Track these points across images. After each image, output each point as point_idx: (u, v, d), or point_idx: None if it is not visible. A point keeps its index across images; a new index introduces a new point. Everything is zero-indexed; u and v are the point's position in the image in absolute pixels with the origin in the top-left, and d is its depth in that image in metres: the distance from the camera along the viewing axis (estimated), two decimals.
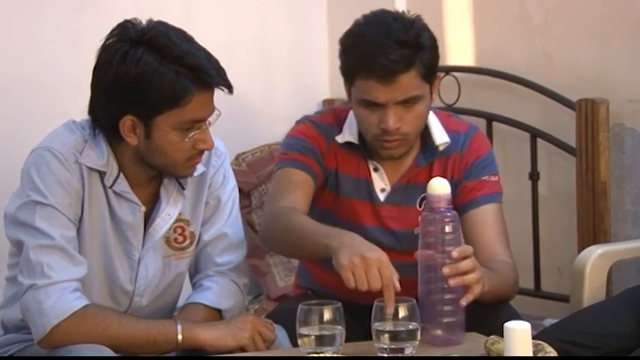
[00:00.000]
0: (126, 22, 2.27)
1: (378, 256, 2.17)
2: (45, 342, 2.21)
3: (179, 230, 2.40)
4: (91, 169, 2.28)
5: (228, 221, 2.46)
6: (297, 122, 2.62)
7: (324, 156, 2.55)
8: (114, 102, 2.25)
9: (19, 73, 3.42)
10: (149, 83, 2.20)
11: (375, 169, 2.56)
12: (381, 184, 2.56)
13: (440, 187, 2.26)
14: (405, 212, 2.55)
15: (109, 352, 2.19)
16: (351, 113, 2.57)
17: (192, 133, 2.26)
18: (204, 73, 2.22)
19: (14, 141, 3.22)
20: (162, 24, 2.27)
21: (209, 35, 3.45)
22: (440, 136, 2.56)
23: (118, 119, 2.25)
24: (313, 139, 2.55)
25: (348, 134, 2.55)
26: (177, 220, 2.39)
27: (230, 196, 2.46)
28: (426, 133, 2.56)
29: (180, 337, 2.24)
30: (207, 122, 2.28)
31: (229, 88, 2.27)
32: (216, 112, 2.29)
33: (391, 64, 2.41)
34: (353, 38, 2.48)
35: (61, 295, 2.20)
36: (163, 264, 2.40)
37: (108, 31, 2.28)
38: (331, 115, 2.61)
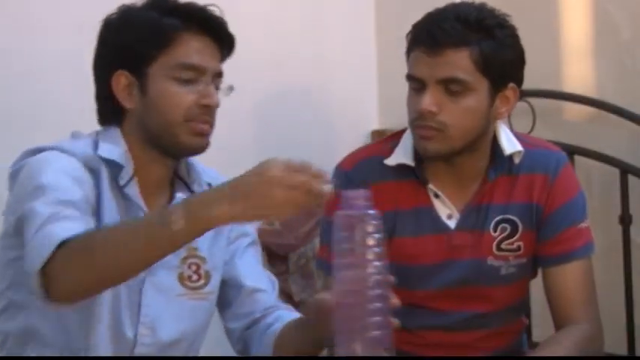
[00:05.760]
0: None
1: None
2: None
3: (194, 267, 2.20)
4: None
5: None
6: None
7: None
8: (104, 61, 2.17)
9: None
10: (132, 27, 2.13)
11: (436, 196, 2.34)
12: (445, 210, 2.34)
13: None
14: (479, 239, 2.34)
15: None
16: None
17: (193, 86, 2.11)
18: (192, 13, 2.12)
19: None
20: None
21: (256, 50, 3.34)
22: (510, 145, 2.34)
23: (111, 78, 2.13)
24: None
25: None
26: (192, 256, 2.19)
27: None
28: (494, 143, 2.35)
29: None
30: (214, 85, 2.14)
31: (228, 37, 2.15)
32: (229, 84, 2.17)
33: (440, 34, 2.22)
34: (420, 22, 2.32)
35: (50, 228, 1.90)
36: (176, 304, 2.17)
37: None
38: None
